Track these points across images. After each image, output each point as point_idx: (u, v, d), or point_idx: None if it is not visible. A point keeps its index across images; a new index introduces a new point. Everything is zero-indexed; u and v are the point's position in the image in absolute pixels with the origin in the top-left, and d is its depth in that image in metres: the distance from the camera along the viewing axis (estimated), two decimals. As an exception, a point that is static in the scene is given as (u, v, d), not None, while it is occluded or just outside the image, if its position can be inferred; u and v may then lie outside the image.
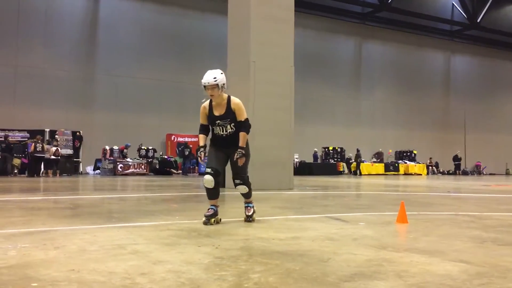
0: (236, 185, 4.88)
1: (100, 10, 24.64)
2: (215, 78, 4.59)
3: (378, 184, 15.51)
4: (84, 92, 23.61)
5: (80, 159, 22.59)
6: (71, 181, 15.20)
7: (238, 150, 4.67)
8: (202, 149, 4.84)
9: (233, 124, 4.71)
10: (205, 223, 4.66)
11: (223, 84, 4.65)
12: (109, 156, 22.05)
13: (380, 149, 30.29)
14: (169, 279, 2.56)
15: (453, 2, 35.14)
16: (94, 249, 3.37)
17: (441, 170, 32.54)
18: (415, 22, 32.79)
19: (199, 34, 26.34)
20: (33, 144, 18.35)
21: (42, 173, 18.83)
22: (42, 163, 18.78)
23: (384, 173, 28.00)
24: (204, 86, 4.62)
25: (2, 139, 19.99)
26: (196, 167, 23.99)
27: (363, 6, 31.59)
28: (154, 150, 23.66)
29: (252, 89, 11.16)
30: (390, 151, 31.58)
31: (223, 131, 4.75)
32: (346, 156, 29.19)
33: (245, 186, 4.87)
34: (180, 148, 23.92)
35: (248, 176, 4.92)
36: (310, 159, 27.35)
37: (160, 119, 25.04)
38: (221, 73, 4.69)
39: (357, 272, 2.75)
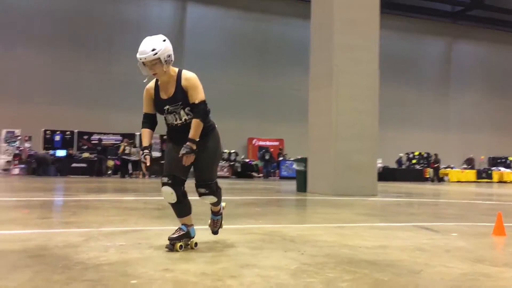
0: (200, 194, 3.66)
1: (187, 18, 25.68)
2: (154, 49, 3.27)
3: (469, 192, 14.62)
4: (171, 98, 24.66)
5: (166, 162, 23.62)
6: (158, 183, 15.91)
7: (186, 144, 3.37)
8: (147, 151, 3.57)
9: (188, 108, 3.45)
10: (169, 248, 3.47)
11: (168, 56, 3.36)
12: (193, 159, 22.86)
13: (471, 155, 28.56)
14: (258, 283, 2.60)
15: (556, -4, 32.29)
16: (186, 250, 3.51)
17: (541, 179, 29.96)
18: (511, 20, 30.54)
19: (280, 38, 26.53)
20: (122, 146, 19.57)
21: (132, 174, 19.92)
22: (130, 165, 19.86)
23: (475, 180, 26.36)
24: (143, 63, 3.32)
25: (97, 142, 21.55)
26: (277, 171, 24.12)
27: (454, 5, 29.99)
28: (236, 154, 24.14)
29: (335, 92, 11.01)
30: (482, 157, 29.64)
31: (176, 120, 3.50)
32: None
33: (212, 197, 3.69)
34: (261, 152, 24.20)
35: (216, 182, 3.73)
36: (393, 165, 26.44)
37: (241, 123, 25.47)
38: (164, 41, 3.36)
39: (452, 286, 2.62)
